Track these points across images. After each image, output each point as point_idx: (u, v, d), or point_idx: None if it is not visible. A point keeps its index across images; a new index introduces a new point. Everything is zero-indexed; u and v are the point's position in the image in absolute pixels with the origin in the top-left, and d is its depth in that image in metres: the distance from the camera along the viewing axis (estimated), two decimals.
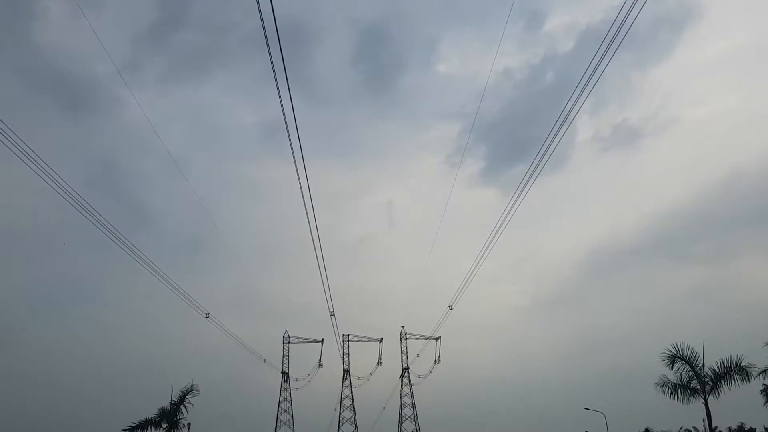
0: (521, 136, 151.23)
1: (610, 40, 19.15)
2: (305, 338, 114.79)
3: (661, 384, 36.95)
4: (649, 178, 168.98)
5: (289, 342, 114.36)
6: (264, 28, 17.22)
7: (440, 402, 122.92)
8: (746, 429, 62.94)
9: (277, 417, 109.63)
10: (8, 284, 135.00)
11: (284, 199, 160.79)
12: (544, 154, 22.56)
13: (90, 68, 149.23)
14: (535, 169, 23.33)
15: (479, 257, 36.08)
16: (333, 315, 78.97)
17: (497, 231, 30.11)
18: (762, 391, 42.24)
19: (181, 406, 40.81)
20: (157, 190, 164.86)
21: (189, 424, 41.26)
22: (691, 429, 65.71)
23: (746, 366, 34.05)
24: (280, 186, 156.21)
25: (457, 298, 49.00)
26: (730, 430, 72.49)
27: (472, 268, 38.44)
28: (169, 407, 40.53)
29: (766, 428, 56.74)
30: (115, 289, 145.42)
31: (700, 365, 35.37)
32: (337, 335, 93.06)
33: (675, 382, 36.28)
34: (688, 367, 35.52)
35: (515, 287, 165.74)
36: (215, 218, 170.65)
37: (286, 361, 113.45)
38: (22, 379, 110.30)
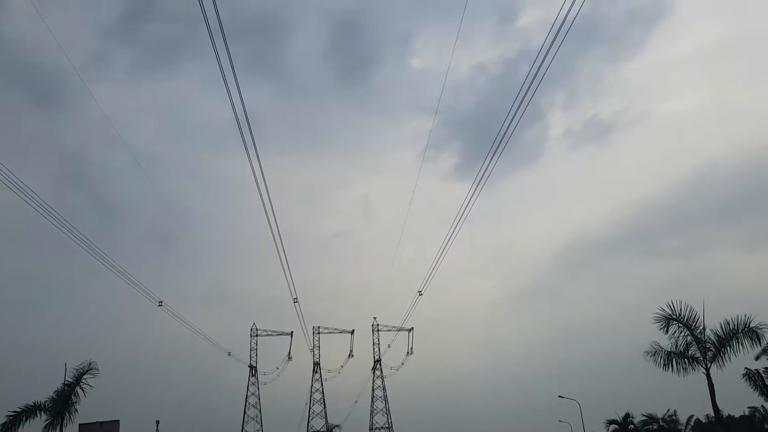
0: (496, 131, 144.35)
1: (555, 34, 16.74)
2: (274, 331, 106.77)
3: (652, 353, 29.74)
4: (621, 173, 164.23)
5: (257, 335, 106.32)
6: (209, 28, 17.13)
7: (413, 394, 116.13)
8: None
9: (245, 412, 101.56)
10: None
11: (254, 192, 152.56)
12: (500, 144, 20.76)
13: (58, 61, 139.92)
14: (493, 157, 21.41)
15: (446, 241, 32.06)
16: (297, 302, 71.52)
17: (462, 216, 27.16)
18: (744, 375, 35.65)
19: (77, 388, 32.88)
20: (128, 185, 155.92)
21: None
22: (674, 412, 58.64)
23: (757, 327, 26.97)
24: (250, 180, 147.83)
25: (426, 283, 44.87)
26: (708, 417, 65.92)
27: (440, 251, 34.30)
28: (63, 389, 32.65)
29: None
30: (76, 286, 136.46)
31: (700, 328, 28.24)
32: (302, 323, 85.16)
33: (670, 349, 29.09)
34: (685, 330, 28.34)
35: (490, 281, 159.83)
36: (186, 213, 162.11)
37: (254, 354, 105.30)
38: None
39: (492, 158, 22.07)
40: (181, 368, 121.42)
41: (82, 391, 33.57)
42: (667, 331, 28.55)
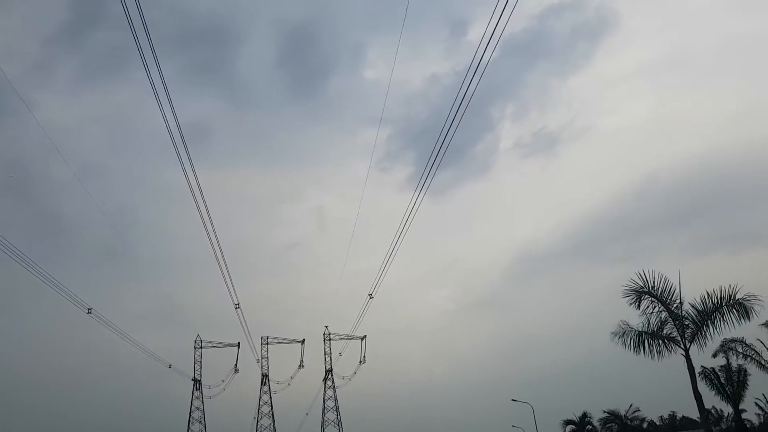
0: (450, 142, 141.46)
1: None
2: (219, 342, 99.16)
3: (620, 333, 24.95)
4: (566, 184, 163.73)
5: (201, 347, 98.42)
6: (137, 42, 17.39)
7: (367, 405, 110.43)
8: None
9: (189, 427, 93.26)
10: None
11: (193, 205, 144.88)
12: (438, 153, 19.67)
13: None
14: (433, 166, 20.47)
15: (394, 244, 28.83)
16: (238, 308, 65.24)
17: (406, 223, 25.17)
18: (701, 374, 31.56)
19: None
20: (72, 197, 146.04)
21: None
22: (637, 408, 54.15)
23: (744, 299, 22.39)
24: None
25: (376, 287, 40.93)
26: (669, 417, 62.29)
27: (388, 254, 30.79)
28: None
29: None
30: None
31: (677, 303, 23.56)
32: (246, 330, 78.35)
33: (642, 329, 24.29)
34: (659, 306, 23.61)
35: (443, 291, 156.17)
36: (133, 225, 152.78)
37: (198, 367, 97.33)
38: None
39: (432, 167, 20.82)
40: (121, 385, 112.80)
41: None
42: (638, 306, 23.83)
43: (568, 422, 58.23)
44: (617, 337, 25.11)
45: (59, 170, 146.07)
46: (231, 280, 44.96)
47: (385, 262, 33.06)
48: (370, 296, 54.53)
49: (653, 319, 23.85)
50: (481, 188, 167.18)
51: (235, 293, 58.67)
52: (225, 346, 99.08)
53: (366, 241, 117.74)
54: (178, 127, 22.06)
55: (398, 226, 26.94)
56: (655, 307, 23.57)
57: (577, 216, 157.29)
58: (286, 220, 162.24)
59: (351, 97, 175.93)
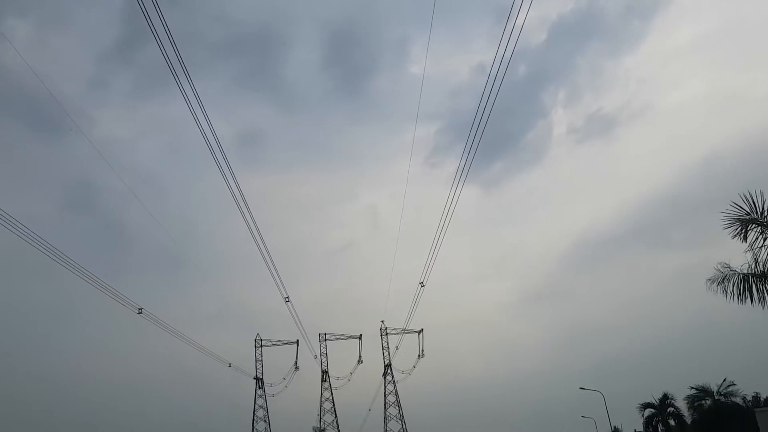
0: (497, 133, 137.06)
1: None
2: (279, 340, 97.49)
3: (719, 279, 20.60)
4: (625, 166, 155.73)
5: (261, 346, 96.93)
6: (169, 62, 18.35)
7: (428, 399, 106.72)
8: None
9: (253, 425, 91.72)
10: None
11: (260, 209, 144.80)
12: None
13: (58, 88, 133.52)
14: (471, 151, 19.01)
15: (439, 231, 28.50)
16: (288, 301, 63.37)
17: (449, 210, 25.00)
18: None
19: None
20: (134, 207, 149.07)
21: None
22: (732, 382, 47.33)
23: None
24: (255, 197, 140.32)
25: (427, 275, 39.87)
26: None
27: (435, 241, 30.48)
28: None
29: None
30: (71, 309, 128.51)
31: None
32: (299, 325, 75.68)
33: (749, 270, 19.93)
34: None
35: (501, 284, 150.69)
36: (193, 233, 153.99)
37: (259, 366, 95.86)
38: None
39: (470, 153, 20.41)
40: (187, 387, 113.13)
41: None
42: (745, 238, 19.44)
43: (646, 405, 52.95)
44: (715, 284, 20.92)
45: (122, 182, 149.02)
46: (278, 275, 47.03)
47: (433, 248, 32.36)
48: (422, 284, 51.27)
49: (764, 256, 19.45)
50: (536, 177, 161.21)
51: (284, 287, 57.54)
52: (284, 344, 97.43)
53: (418, 237, 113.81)
54: (217, 140, 23.11)
55: (443, 214, 26.92)
56: (766, 239, 19.23)
57: (638, 199, 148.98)
58: (339, 221, 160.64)
59: (397, 94, 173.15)
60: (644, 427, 55.15)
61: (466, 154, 21.34)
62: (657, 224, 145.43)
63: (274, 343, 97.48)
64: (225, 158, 25.83)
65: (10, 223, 26.36)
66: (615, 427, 63.31)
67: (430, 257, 34.92)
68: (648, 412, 52.71)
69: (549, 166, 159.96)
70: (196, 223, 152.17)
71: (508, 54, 15.93)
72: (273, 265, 44.21)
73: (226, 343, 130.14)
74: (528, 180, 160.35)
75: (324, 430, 57.43)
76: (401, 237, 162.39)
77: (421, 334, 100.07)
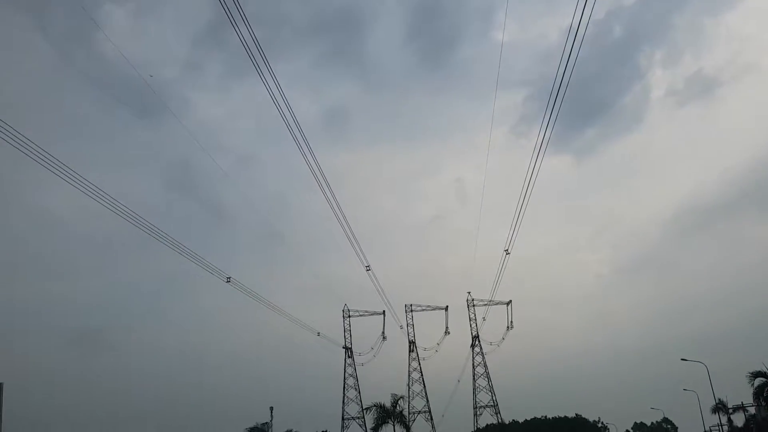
0: (590, 98, 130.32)
1: None
2: (366, 311, 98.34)
3: None
4: (729, 129, 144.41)
5: (349, 316, 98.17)
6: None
7: (518, 372, 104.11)
8: None
9: (344, 393, 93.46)
10: (96, 289, 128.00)
11: (347, 185, 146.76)
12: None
13: (158, 73, 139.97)
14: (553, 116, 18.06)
15: (522, 200, 27.35)
16: (369, 270, 63.19)
17: (531, 180, 24.14)
18: None
19: None
20: (231, 186, 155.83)
21: None
22: None
23: None
24: (342, 173, 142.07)
25: (512, 242, 37.51)
26: None
27: (519, 208, 28.92)
28: None
29: None
30: (175, 286, 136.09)
31: None
32: (382, 294, 75.09)
33: None
34: None
35: (596, 255, 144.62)
36: (287, 210, 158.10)
37: (347, 336, 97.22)
38: (128, 373, 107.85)
39: (551, 120, 19.55)
40: (281, 358, 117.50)
41: None
42: None
43: (756, 374, 48.58)
44: None
45: (220, 163, 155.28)
46: (358, 244, 47.47)
47: (517, 216, 30.90)
48: (507, 252, 49.48)
49: None
50: (633, 142, 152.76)
51: (364, 256, 57.64)
52: (371, 315, 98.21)
53: (504, 208, 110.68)
54: (294, 119, 24.40)
55: (525, 182, 25.24)
56: None
57: (744, 163, 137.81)
58: (424, 194, 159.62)
59: (481, 63, 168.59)
60: (754, 398, 50.81)
61: (547, 119, 20.24)
62: (765, 189, 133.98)
63: (361, 313, 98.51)
64: (303, 136, 27.01)
65: (115, 205, 28.50)
66: (719, 399, 58.89)
67: (514, 225, 33.38)
68: (759, 381, 48.35)
69: (647, 131, 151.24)
70: (287, 198, 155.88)
71: (592, 12, 14.73)
72: (352, 233, 45.06)
73: (316, 315, 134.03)
74: (624, 146, 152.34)
75: (401, 398, 57.17)
76: (487, 208, 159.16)
77: (509, 305, 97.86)
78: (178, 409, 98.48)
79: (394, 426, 56.56)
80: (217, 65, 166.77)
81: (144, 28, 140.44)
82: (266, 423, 48.51)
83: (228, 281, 58.48)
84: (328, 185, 33.69)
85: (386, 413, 57.11)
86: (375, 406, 57.70)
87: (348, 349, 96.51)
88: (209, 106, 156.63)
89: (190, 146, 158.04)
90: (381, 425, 57.47)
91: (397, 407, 56.54)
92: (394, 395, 57.04)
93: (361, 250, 51.62)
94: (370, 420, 60.03)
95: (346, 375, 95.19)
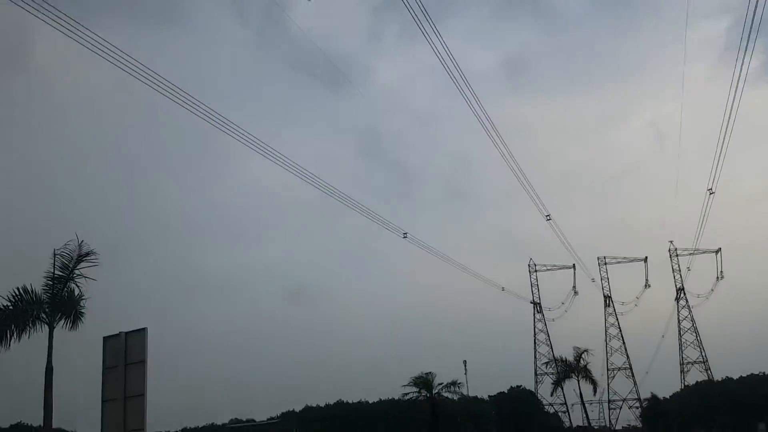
0: None
1: None
2: (553, 265, 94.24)
3: None
4: None
5: (536, 271, 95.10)
6: None
7: (731, 327, 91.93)
8: None
9: (535, 349, 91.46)
10: (302, 251, 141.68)
11: (531, 136, 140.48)
12: None
13: (338, 44, 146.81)
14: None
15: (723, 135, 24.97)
16: (549, 219, 60.25)
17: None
18: None
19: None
20: (414, 147, 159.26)
21: None
22: None
23: None
24: (526, 124, 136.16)
25: (716, 180, 32.29)
26: None
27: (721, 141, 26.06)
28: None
29: None
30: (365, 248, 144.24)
31: None
32: (569, 248, 70.64)
33: None
34: None
35: None
36: (467, 166, 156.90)
37: (535, 290, 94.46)
38: (329, 326, 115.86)
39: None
40: (467, 315, 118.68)
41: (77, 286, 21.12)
42: None
43: None
44: None
45: (400, 124, 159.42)
46: (536, 194, 45.85)
47: (719, 151, 27.32)
48: (710, 192, 43.38)
49: None
50: None
51: (543, 206, 55.20)
52: (559, 269, 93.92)
53: (707, 148, 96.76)
54: (460, 72, 24.50)
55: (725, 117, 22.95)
56: None
57: None
58: (615, 141, 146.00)
59: None
60: None
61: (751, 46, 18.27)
62: None
63: (548, 268, 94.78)
64: (472, 91, 26.96)
65: (313, 179, 29.31)
66: None
67: (717, 160, 29.12)
68: None
69: None
70: (468, 154, 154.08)
71: None
72: (527, 182, 43.26)
73: (501, 270, 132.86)
74: None
75: (585, 351, 53.69)
76: (686, 151, 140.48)
77: (718, 253, 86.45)
78: (375, 356, 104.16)
79: (578, 381, 53.78)
80: (393, 29, 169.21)
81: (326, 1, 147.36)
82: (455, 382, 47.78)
83: (405, 236, 60.63)
84: (499, 136, 33.13)
85: (569, 368, 54.51)
86: (556, 360, 55.35)
87: (536, 305, 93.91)
88: (389, 70, 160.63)
89: (374, 112, 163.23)
90: (563, 380, 55.11)
91: (581, 361, 53.46)
92: (576, 348, 54.06)
93: (539, 199, 50.44)
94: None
95: (536, 331, 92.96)
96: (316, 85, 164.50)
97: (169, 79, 18.73)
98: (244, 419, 79.62)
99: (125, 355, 11.09)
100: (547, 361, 58.42)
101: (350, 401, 79.18)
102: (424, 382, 38.75)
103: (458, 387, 40.59)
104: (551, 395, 72.87)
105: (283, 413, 78.37)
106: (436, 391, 38.53)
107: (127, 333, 11.33)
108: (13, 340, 19.67)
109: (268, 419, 74.18)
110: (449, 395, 36.13)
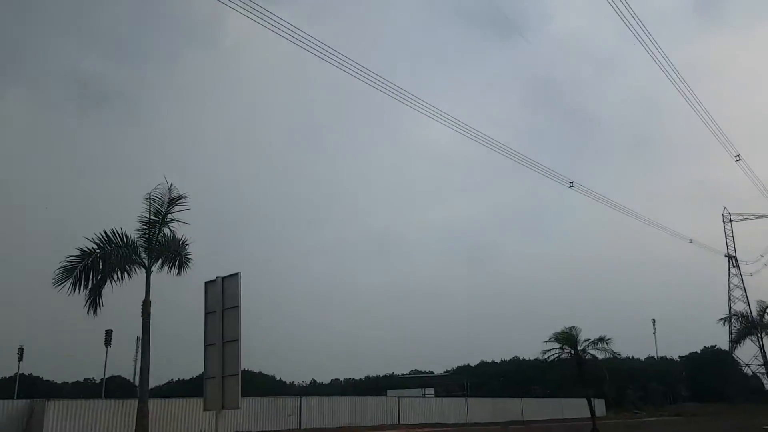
0: None
1: None
2: (752, 214, 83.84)
3: None
4: None
5: (730, 221, 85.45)
6: None
7: None
8: None
9: (729, 306, 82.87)
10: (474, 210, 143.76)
11: (724, 76, 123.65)
12: None
13: None
14: None
15: None
16: (739, 159, 55.60)
17: None
18: None
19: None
20: (593, 94, 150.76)
21: None
22: None
23: None
24: (719, 62, 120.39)
25: None
26: None
27: None
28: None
29: None
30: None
31: None
32: (765, 192, 62.62)
33: None
34: None
35: None
36: (652, 112, 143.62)
37: (730, 243, 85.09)
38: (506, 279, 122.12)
39: None
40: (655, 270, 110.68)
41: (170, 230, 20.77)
42: None
43: None
44: None
45: (582, 71, 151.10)
46: (722, 133, 44.93)
47: None
48: None
49: None
50: None
51: (731, 145, 51.22)
52: (759, 218, 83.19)
53: None
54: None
55: None
56: None
57: None
58: None
59: None
60: None
61: None
62: None
63: (745, 217, 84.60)
64: (647, 33, 27.98)
65: (482, 137, 30.73)
66: None
67: None
68: None
69: None
70: (651, 99, 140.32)
71: None
72: (714, 122, 42.53)
73: (690, 223, 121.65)
74: None
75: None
76: None
77: None
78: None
79: (760, 338, 48.53)
80: None
81: None
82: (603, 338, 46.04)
83: (571, 186, 59.75)
84: (680, 78, 34.47)
85: (751, 324, 49.36)
86: (736, 315, 50.46)
87: (732, 258, 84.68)
88: (569, 16, 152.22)
89: (550, 60, 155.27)
90: (743, 338, 50.06)
91: (765, 317, 47.99)
92: (760, 302, 48.57)
93: (726, 139, 47.75)
94: None
95: (732, 286, 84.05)
96: (489, 36, 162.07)
97: (338, 50, 20.45)
98: (425, 371, 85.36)
99: (222, 300, 11.24)
100: (723, 317, 53.31)
101: (528, 358, 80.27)
102: (566, 337, 39.24)
103: (606, 343, 40.05)
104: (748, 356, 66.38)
105: (458, 367, 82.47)
106: (582, 347, 38.81)
107: (223, 278, 11.32)
108: (110, 283, 19.26)
109: (444, 371, 78.81)
110: (595, 353, 36.09)
